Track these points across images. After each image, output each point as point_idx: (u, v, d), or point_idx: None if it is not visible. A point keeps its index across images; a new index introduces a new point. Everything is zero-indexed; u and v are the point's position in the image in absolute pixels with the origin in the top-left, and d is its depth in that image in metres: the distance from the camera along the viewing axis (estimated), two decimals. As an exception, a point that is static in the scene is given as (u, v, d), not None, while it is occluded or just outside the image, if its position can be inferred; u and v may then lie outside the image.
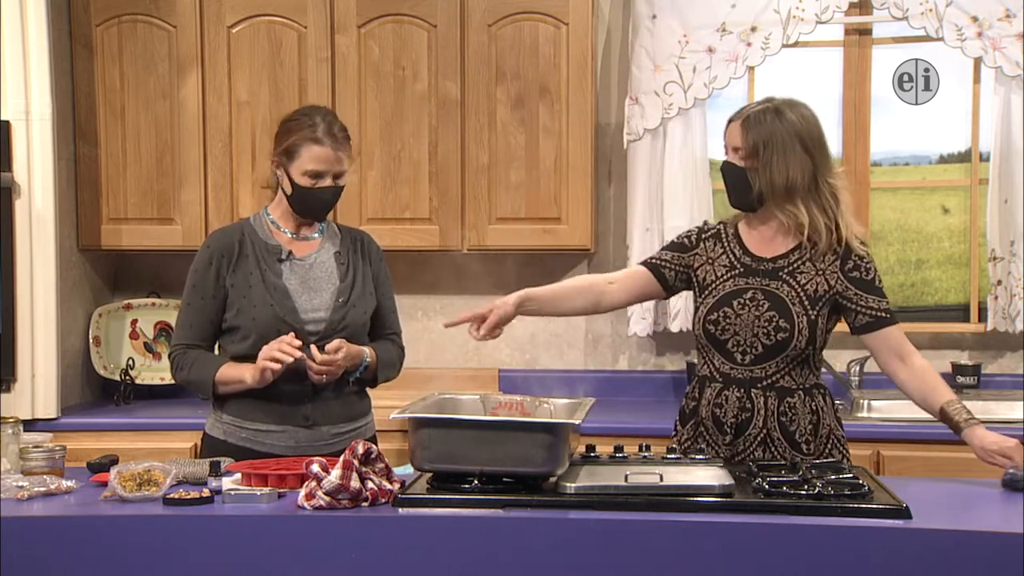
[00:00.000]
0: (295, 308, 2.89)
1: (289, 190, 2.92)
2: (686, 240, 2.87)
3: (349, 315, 2.93)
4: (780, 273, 2.73)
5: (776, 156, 2.67)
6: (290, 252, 2.96)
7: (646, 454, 2.66)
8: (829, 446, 2.74)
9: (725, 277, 2.77)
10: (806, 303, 2.70)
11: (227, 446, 2.91)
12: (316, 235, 3.01)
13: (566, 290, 2.90)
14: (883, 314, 2.73)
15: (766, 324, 2.69)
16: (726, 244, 2.82)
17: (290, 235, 2.99)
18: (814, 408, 2.73)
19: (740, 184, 2.73)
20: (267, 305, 2.88)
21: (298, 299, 2.90)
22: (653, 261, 2.88)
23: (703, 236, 2.86)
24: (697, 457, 2.58)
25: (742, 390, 2.73)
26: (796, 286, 2.71)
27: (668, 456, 2.60)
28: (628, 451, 2.70)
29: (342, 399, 2.95)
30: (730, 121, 2.77)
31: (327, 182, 2.90)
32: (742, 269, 2.76)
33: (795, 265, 2.73)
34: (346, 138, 2.94)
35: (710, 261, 2.81)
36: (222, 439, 2.93)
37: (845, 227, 2.72)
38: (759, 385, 2.72)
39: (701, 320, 2.77)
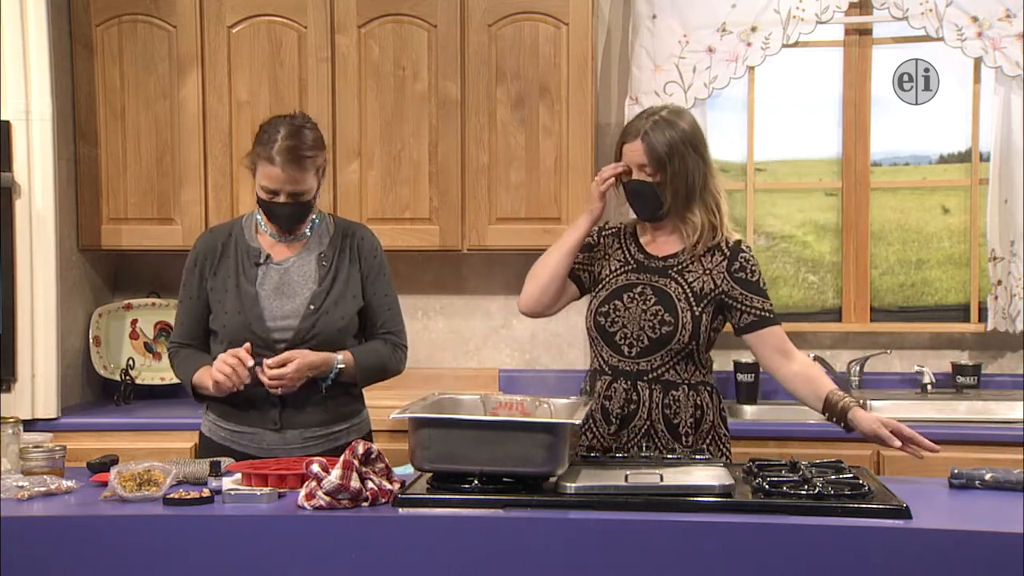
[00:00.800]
0: (262, 315, 2.86)
1: (256, 199, 2.91)
2: (591, 239, 2.95)
3: (320, 322, 2.87)
4: (670, 271, 2.82)
5: (680, 165, 2.76)
6: (268, 256, 2.92)
7: (646, 454, 2.66)
8: (708, 441, 2.82)
9: (618, 272, 2.87)
10: (692, 300, 2.78)
11: (213, 444, 2.94)
12: (304, 234, 2.95)
13: (561, 261, 2.90)
14: (767, 314, 2.82)
15: (652, 318, 2.78)
16: (623, 241, 2.92)
17: (273, 237, 2.95)
18: (698, 403, 2.81)
19: (651, 199, 2.80)
20: (236, 312, 2.87)
21: (267, 305, 2.87)
22: (572, 267, 2.92)
23: (603, 234, 2.96)
24: (697, 457, 2.59)
25: (629, 382, 2.81)
26: (684, 284, 2.80)
27: (668, 456, 2.60)
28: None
29: (314, 404, 2.90)
30: (624, 142, 2.82)
31: (281, 199, 2.83)
32: (635, 265, 2.86)
33: (684, 264, 2.83)
34: (310, 156, 2.81)
35: (607, 257, 2.91)
36: (208, 436, 2.97)
37: (725, 227, 2.84)
38: (645, 378, 2.80)
39: (592, 313, 2.86)
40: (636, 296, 2.81)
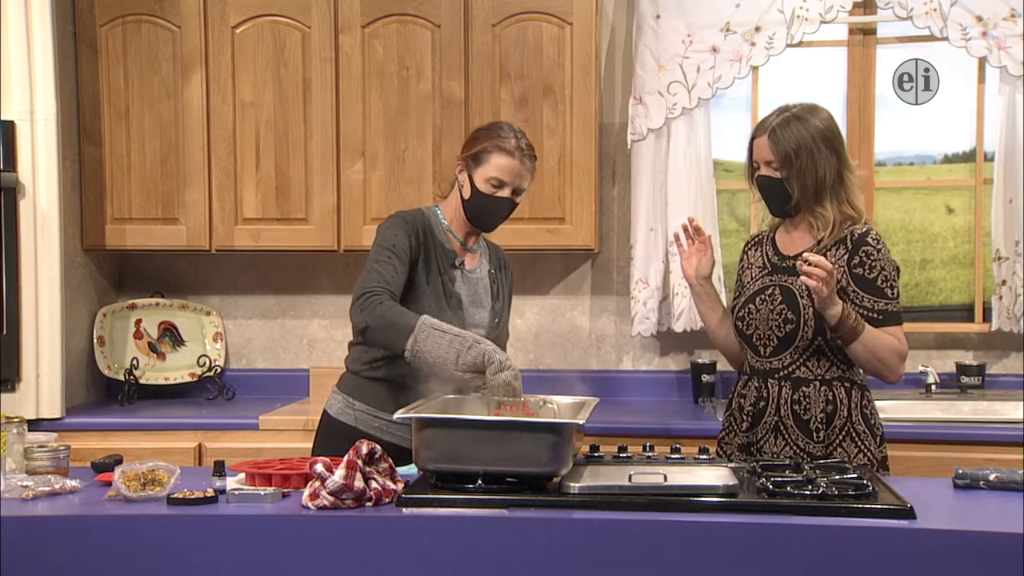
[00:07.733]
0: (464, 320, 2.89)
1: (468, 195, 2.93)
2: (740, 267, 3.02)
3: (499, 339, 2.94)
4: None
5: (808, 161, 2.78)
6: (463, 261, 2.98)
7: (650, 454, 2.66)
8: (842, 436, 2.81)
9: (756, 277, 2.94)
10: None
11: (357, 433, 2.87)
12: (477, 248, 3.04)
13: (717, 336, 3.05)
14: (875, 315, 2.81)
15: (777, 317, 2.83)
16: (762, 247, 2.98)
17: (460, 243, 3.00)
18: (830, 399, 2.81)
19: (779, 194, 2.85)
20: (442, 310, 2.86)
21: (467, 311, 2.93)
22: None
23: (747, 248, 3.04)
24: (701, 457, 2.59)
25: (761, 381, 2.87)
26: None
27: (672, 456, 2.60)
28: (632, 451, 2.70)
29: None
30: (754, 137, 2.88)
31: (506, 193, 2.90)
32: (770, 268, 2.91)
33: None
34: (532, 157, 2.93)
35: (749, 266, 2.99)
36: (352, 425, 2.92)
37: (860, 221, 2.85)
38: (776, 375, 2.85)
39: (734, 317, 2.94)
40: (767, 297, 2.86)
